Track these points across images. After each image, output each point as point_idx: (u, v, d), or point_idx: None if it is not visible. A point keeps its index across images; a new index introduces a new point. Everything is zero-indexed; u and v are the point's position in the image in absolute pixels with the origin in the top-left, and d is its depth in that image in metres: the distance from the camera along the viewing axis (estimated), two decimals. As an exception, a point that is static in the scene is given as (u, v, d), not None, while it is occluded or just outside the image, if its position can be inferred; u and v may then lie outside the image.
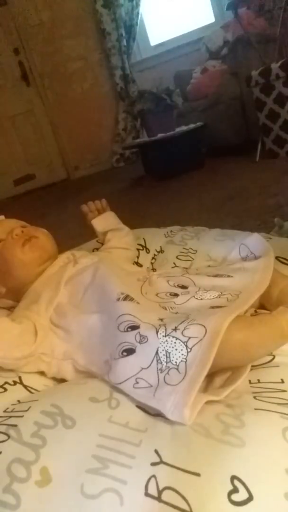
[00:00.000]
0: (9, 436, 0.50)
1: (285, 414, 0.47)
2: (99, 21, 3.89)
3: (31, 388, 0.64)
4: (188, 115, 3.07)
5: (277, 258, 0.79)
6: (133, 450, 0.46)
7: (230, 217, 1.62)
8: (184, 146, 2.72)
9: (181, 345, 0.52)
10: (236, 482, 0.40)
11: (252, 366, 0.58)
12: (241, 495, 0.39)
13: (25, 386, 0.64)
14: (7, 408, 0.57)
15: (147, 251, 0.98)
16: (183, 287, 0.70)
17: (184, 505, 0.39)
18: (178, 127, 2.84)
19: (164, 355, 0.53)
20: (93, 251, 0.98)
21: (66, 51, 4.07)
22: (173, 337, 0.53)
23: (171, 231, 1.05)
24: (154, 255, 0.98)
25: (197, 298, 0.65)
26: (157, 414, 0.50)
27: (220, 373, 0.58)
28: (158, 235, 1.03)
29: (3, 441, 0.49)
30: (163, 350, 0.53)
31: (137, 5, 3.81)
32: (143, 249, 0.98)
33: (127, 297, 0.64)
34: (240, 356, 0.57)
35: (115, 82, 4.07)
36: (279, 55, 2.44)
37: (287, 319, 0.59)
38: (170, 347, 0.53)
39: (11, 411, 0.56)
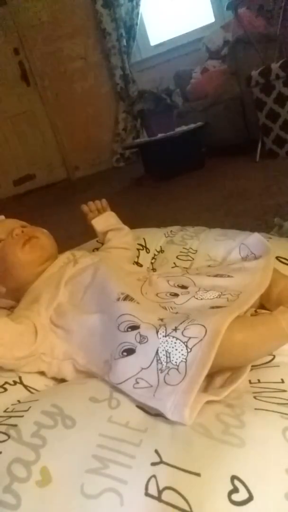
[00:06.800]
0: (9, 436, 0.50)
1: (285, 414, 0.47)
2: (99, 21, 3.89)
3: (31, 388, 0.64)
4: (188, 115, 3.07)
5: (277, 258, 0.79)
6: (133, 450, 0.46)
7: (230, 217, 1.62)
8: (184, 146, 2.72)
9: (181, 345, 0.52)
10: (236, 482, 0.40)
11: (252, 366, 0.58)
12: (241, 495, 0.39)
13: (25, 386, 0.64)
14: (7, 408, 0.57)
15: (147, 251, 0.98)
16: (183, 287, 0.70)
17: (184, 505, 0.39)
18: (178, 127, 2.84)
19: (164, 355, 0.53)
20: (93, 251, 0.98)
21: (66, 51, 4.07)
22: (173, 337, 0.53)
23: (171, 231, 1.05)
24: (154, 255, 0.98)
25: (197, 298, 0.65)
26: (157, 414, 0.50)
27: (220, 373, 0.58)
28: (158, 235, 1.03)
29: (3, 441, 0.49)
30: (163, 350, 0.53)
31: (137, 5, 3.81)
32: (143, 249, 0.98)
33: (127, 297, 0.64)
34: (240, 356, 0.57)
35: (115, 82, 4.07)
36: (279, 55, 2.44)
37: (287, 319, 0.59)
38: (170, 347, 0.53)
39: (11, 411, 0.56)
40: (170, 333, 0.54)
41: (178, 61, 3.74)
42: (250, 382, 0.56)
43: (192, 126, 2.78)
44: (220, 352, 0.50)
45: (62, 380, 0.67)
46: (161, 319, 0.58)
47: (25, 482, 0.44)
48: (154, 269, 0.94)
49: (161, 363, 0.53)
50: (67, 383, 0.65)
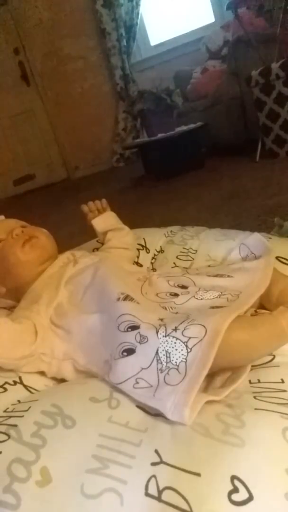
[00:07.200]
0: (9, 436, 0.50)
1: (285, 414, 0.47)
2: (99, 21, 3.88)
3: (31, 388, 0.64)
4: (188, 115, 3.07)
5: (277, 258, 0.79)
6: (133, 450, 0.46)
7: (230, 217, 1.62)
8: (184, 146, 2.72)
9: (181, 345, 0.52)
10: (236, 482, 0.40)
11: (252, 366, 0.58)
12: (241, 495, 0.39)
13: (25, 386, 0.64)
14: (7, 408, 0.57)
15: (147, 251, 0.98)
16: (183, 287, 0.70)
17: (184, 505, 0.39)
18: (178, 127, 2.84)
19: (164, 355, 0.53)
20: (93, 251, 0.98)
21: (66, 51, 4.07)
22: (173, 337, 0.53)
23: (171, 231, 1.05)
24: (154, 255, 0.98)
25: (197, 298, 0.65)
26: (157, 414, 0.50)
27: (220, 373, 0.58)
28: (158, 235, 1.03)
29: (3, 441, 0.49)
30: (163, 350, 0.53)
31: (137, 5, 3.81)
32: (143, 249, 0.98)
33: (127, 297, 0.64)
34: (240, 356, 0.57)
35: (115, 82, 4.07)
36: (279, 55, 2.44)
37: (287, 318, 0.59)
38: (170, 347, 0.53)
39: (11, 411, 0.56)
40: (170, 333, 0.54)
41: (178, 61, 3.74)
42: (250, 382, 0.56)
43: (192, 126, 2.78)
44: (220, 352, 0.50)
45: (62, 380, 0.67)
46: (161, 319, 0.58)
47: (25, 482, 0.44)
48: (154, 269, 0.94)
49: (161, 363, 0.53)
50: (67, 383, 0.65)
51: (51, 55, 4.07)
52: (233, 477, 0.40)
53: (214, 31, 3.31)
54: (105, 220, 0.95)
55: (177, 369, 0.51)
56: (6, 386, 0.63)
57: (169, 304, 0.65)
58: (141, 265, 0.95)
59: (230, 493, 0.39)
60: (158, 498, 0.40)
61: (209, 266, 0.87)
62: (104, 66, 4.11)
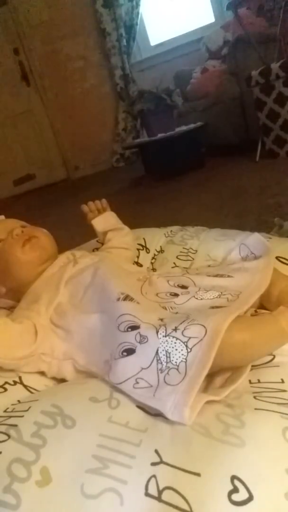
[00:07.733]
0: (9, 436, 0.50)
1: (285, 414, 0.47)
2: (99, 21, 3.89)
3: (31, 388, 0.64)
4: (188, 115, 3.07)
5: (277, 258, 0.79)
6: (133, 450, 0.46)
7: (230, 217, 1.62)
8: (184, 146, 2.72)
9: (181, 345, 0.52)
10: (236, 482, 0.40)
11: (252, 366, 0.58)
12: (241, 495, 0.39)
13: (25, 386, 0.64)
14: (7, 408, 0.57)
15: (147, 251, 0.98)
16: (183, 287, 0.70)
17: (184, 505, 0.39)
18: (178, 127, 2.84)
19: (164, 355, 0.53)
20: (93, 251, 0.98)
21: (66, 51, 4.07)
22: (173, 337, 0.53)
23: (171, 231, 1.05)
24: (154, 255, 0.98)
25: (197, 298, 0.65)
26: (157, 414, 0.50)
27: (220, 373, 0.58)
28: (158, 235, 1.03)
29: (3, 441, 0.49)
30: (163, 350, 0.53)
31: (137, 5, 3.81)
32: (143, 249, 0.98)
33: (127, 297, 0.64)
34: (240, 356, 0.57)
35: (115, 82, 4.07)
36: (279, 55, 2.44)
37: (287, 319, 0.60)
38: (170, 347, 0.53)
39: (11, 411, 0.56)
40: (170, 333, 0.54)
41: (178, 61, 3.74)
42: (250, 382, 0.56)
43: (192, 126, 2.78)
44: (220, 352, 0.50)
45: (62, 380, 0.67)
46: (161, 319, 0.58)
47: (25, 482, 0.44)
48: (154, 269, 0.94)
49: (161, 363, 0.53)
50: (67, 383, 0.65)
51: (51, 55, 4.07)
52: (233, 477, 0.40)
53: (214, 31, 3.31)
54: (105, 220, 0.95)
55: (177, 369, 0.51)
56: (6, 386, 0.63)
57: (169, 304, 0.65)
58: (141, 265, 0.95)
59: (230, 493, 0.39)
60: (158, 498, 0.40)
61: (209, 266, 0.87)
62: (104, 66, 4.11)
